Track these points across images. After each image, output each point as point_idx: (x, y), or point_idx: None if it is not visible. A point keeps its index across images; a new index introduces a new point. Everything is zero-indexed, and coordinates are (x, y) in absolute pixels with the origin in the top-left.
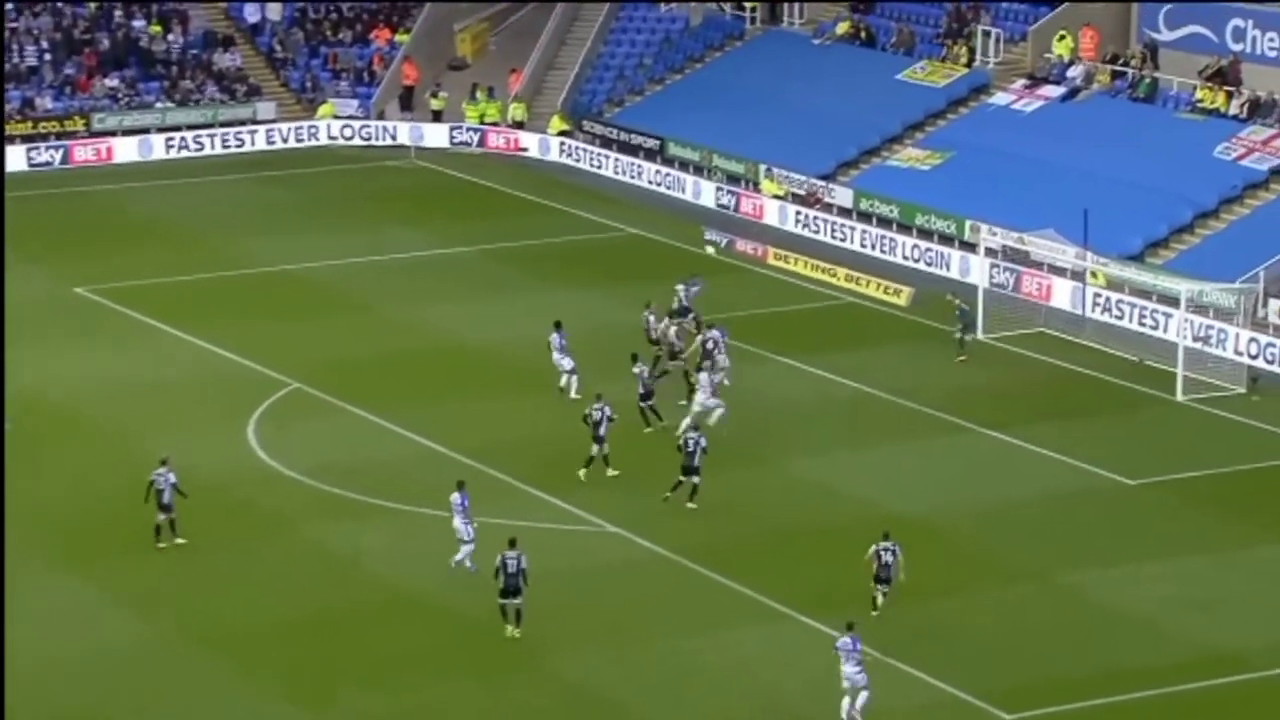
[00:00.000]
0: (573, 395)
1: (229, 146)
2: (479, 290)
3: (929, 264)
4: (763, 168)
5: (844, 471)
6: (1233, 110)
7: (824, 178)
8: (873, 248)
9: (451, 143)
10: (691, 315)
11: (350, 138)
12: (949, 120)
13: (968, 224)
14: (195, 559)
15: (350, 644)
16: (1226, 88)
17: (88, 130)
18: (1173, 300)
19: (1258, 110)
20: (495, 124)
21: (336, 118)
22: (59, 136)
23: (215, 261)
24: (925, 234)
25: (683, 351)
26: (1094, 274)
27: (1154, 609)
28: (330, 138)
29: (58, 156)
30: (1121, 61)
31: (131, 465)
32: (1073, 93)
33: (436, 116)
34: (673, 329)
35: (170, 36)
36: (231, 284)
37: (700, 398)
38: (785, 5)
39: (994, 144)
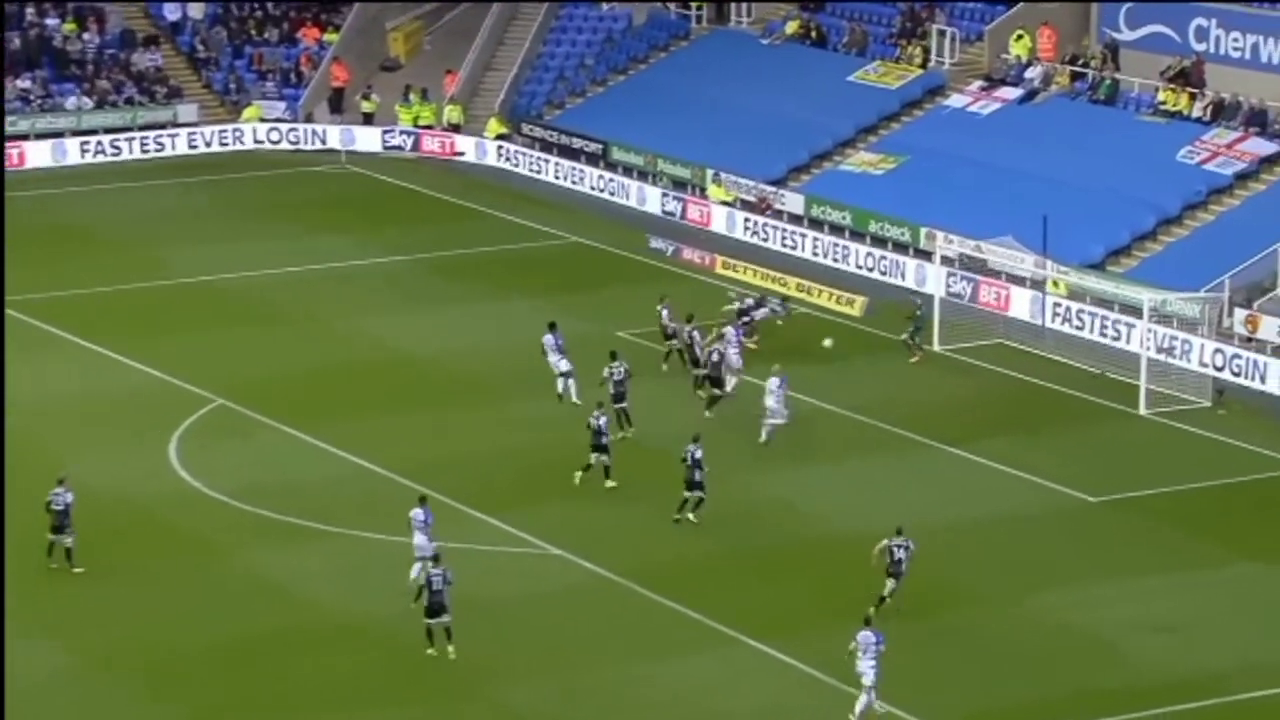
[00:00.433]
0: (574, 399)
1: (148, 151)
2: (414, 301)
3: (883, 273)
4: (710, 173)
5: (797, 490)
6: (1196, 112)
7: (774, 183)
8: (825, 256)
9: (384, 147)
10: (746, 324)
11: (277, 142)
12: (903, 123)
13: (923, 231)
14: (113, 585)
15: (283, 673)
16: (1189, 89)
17: None
18: (1135, 310)
19: (1221, 112)
20: (430, 127)
21: (262, 120)
22: None
23: (135, 272)
24: (879, 241)
25: (701, 361)
26: (1054, 283)
27: (1117, 631)
28: (256, 141)
29: None
30: (1081, 62)
31: (47, 486)
32: (1031, 94)
33: (368, 119)
34: (698, 332)
35: (86, 35)
36: (152, 296)
37: (775, 408)
38: (732, 4)
39: (950, 148)
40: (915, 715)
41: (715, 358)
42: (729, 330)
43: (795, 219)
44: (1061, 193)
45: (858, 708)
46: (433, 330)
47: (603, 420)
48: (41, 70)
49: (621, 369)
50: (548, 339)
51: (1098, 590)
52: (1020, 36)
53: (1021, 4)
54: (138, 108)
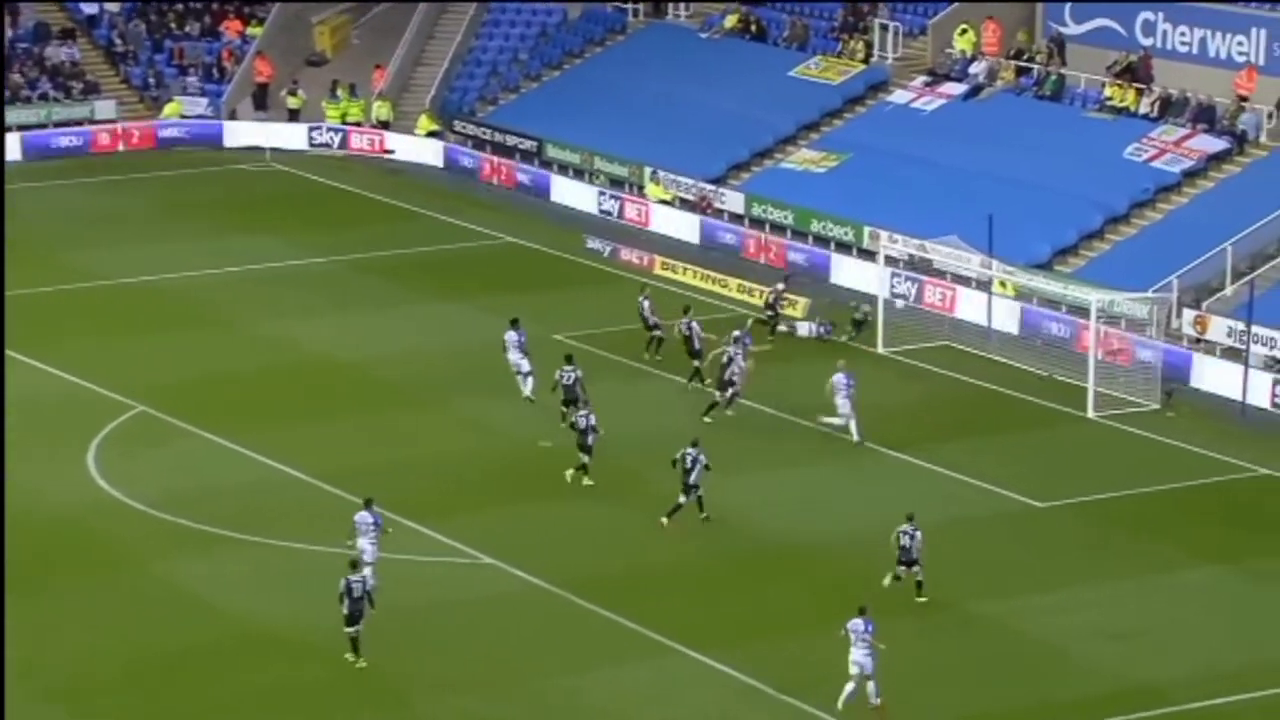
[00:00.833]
0: (527, 394)
1: (65, 148)
2: (342, 304)
3: (826, 273)
4: (648, 171)
5: (737, 496)
6: (1143, 109)
7: (714, 181)
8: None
9: (310, 144)
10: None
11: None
12: (845, 120)
13: (866, 230)
14: (30, 597)
15: (207, 687)
16: (1136, 85)
17: None
18: (1083, 311)
19: (1169, 109)
20: (358, 124)
21: (184, 117)
22: None
23: (50, 274)
24: (822, 241)
25: (701, 353)
26: (1001, 283)
27: (1066, 639)
28: (176, 138)
29: None
30: (1027, 57)
31: None
32: (975, 90)
33: (294, 116)
34: (697, 324)
35: None
36: (69, 298)
37: (846, 409)
38: None
39: (893, 145)
40: None
41: (725, 360)
42: (736, 334)
43: (736, 218)
44: (1007, 191)
45: (870, 691)
46: (362, 334)
47: (593, 419)
48: None
49: (573, 374)
50: (510, 335)
51: (1046, 597)
52: (964, 31)
53: None
54: (53, 104)
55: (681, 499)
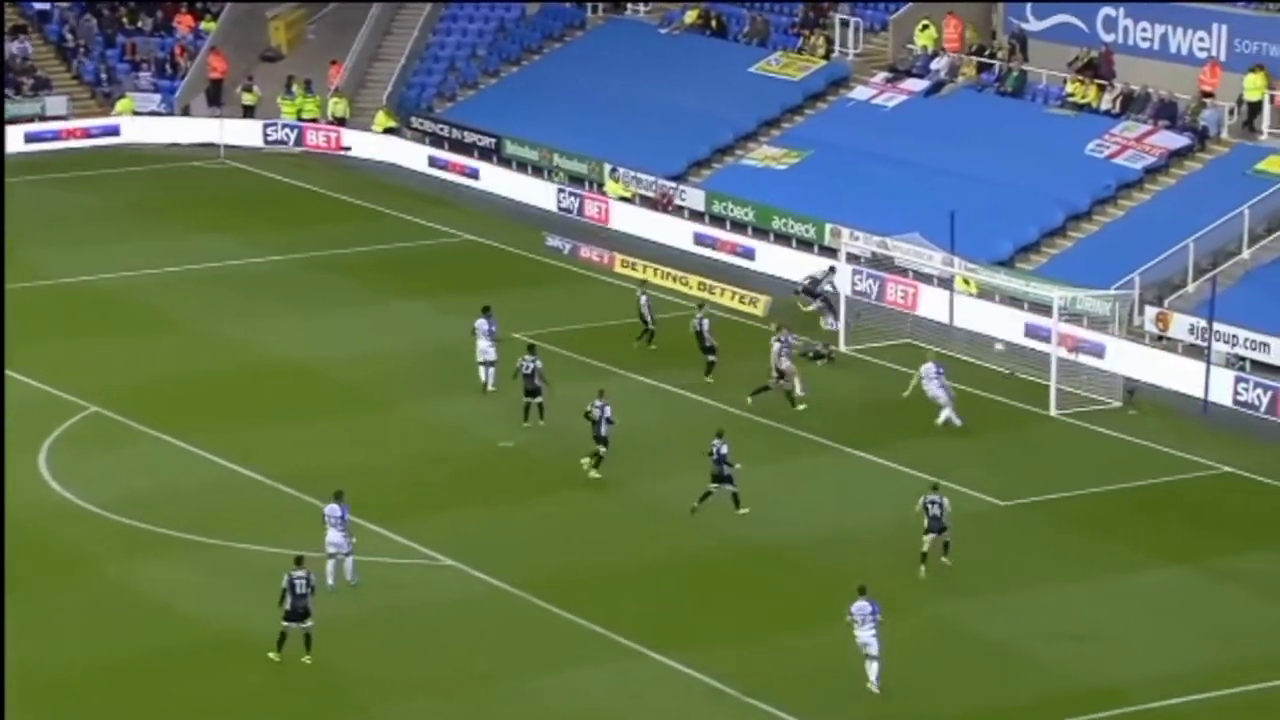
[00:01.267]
0: (488, 386)
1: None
2: (298, 303)
3: (787, 271)
4: (608, 168)
5: (696, 496)
6: (1105, 105)
7: (674, 178)
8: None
9: (265, 141)
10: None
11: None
12: (806, 116)
13: (828, 228)
14: None
15: (164, 693)
16: (1098, 81)
17: None
18: (1045, 308)
19: (1131, 104)
20: (314, 120)
21: (136, 114)
22: None
23: None
24: (783, 238)
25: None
26: (964, 280)
27: (1027, 640)
28: (130, 135)
29: None
30: (988, 53)
31: None
32: (937, 86)
33: (248, 112)
34: (707, 320)
35: None
36: (19, 298)
37: (943, 398)
38: None
39: (854, 142)
40: None
41: (784, 364)
42: (780, 339)
43: (696, 215)
44: (969, 187)
45: (871, 676)
46: (319, 333)
47: (607, 410)
48: None
49: (532, 364)
50: (480, 323)
51: (1007, 597)
52: (925, 27)
53: None
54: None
55: (711, 488)
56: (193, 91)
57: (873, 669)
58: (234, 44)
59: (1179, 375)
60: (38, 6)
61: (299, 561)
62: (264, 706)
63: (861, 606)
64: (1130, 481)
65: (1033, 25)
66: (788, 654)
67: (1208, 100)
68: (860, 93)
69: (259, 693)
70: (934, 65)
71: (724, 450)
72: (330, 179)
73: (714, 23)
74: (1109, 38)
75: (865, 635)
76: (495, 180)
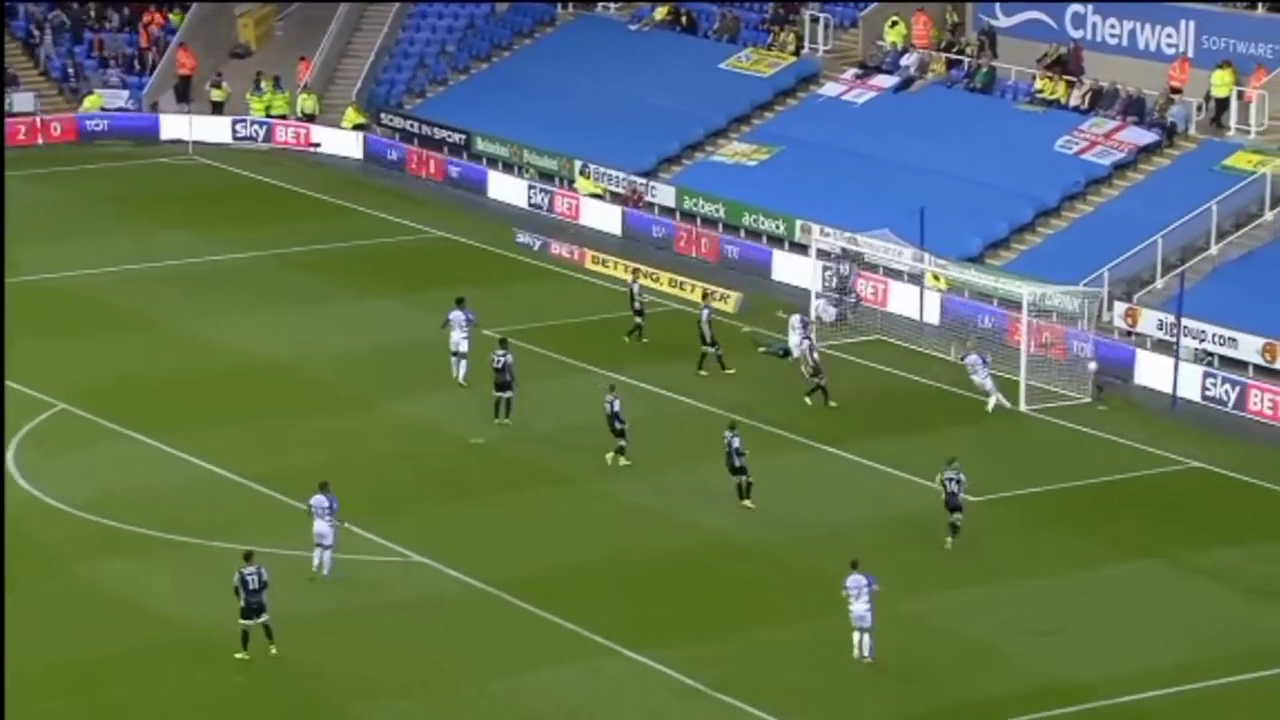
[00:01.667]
0: (460, 381)
1: None
2: (268, 300)
3: (758, 267)
4: (578, 164)
5: (671, 493)
6: (1074, 101)
7: (644, 175)
8: (698, 250)
9: (234, 138)
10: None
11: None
12: (776, 112)
13: (798, 224)
14: None
15: (133, 690)
16: (1067, 77)
17: None
18: (1015, 304)
19: (1099, 101)
20: (283, 117)
21: (104, 110)
22: None
23: None
24: (753, 234)
25: (715, 341)
26: (933, 276)
27: (997, 635)
28: (96, 131)
29: None
30: (957, 49)
31: None
32: (906, 83)
33: (217, 109)
34: (708, 311)
35: None
36: None
37: (989, 386)
38: None
39: (824, 138)
40: None
41: (815, 356)
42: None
43: (667, 211)
44: (938, 184)
45: (866, 649)
46: (289, 331)
47: (617, 405)
48: None
49: (503, 358)
50: (455, 314)
51: (976, 592)
52: (895, 23)
53: None
54: None
55: (736, 479)
56: (161, 88)
57: (866, 642)
58: (202, 40)
59: (1148, 371)
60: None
61: (248, 557)
62: (236, 705)
63: (856, 580)
64: (1099, 477)
65: (1002, 22)
66: (761, 650)
67: (1176, 96)
68: (830, 89)
69: (231, 692)
70: (904, 61)
71: (735, 443)
72: (299, 176)
73: (684, 19)
74: (1078, 34)
75: (861, 609)
76: (468, 177)
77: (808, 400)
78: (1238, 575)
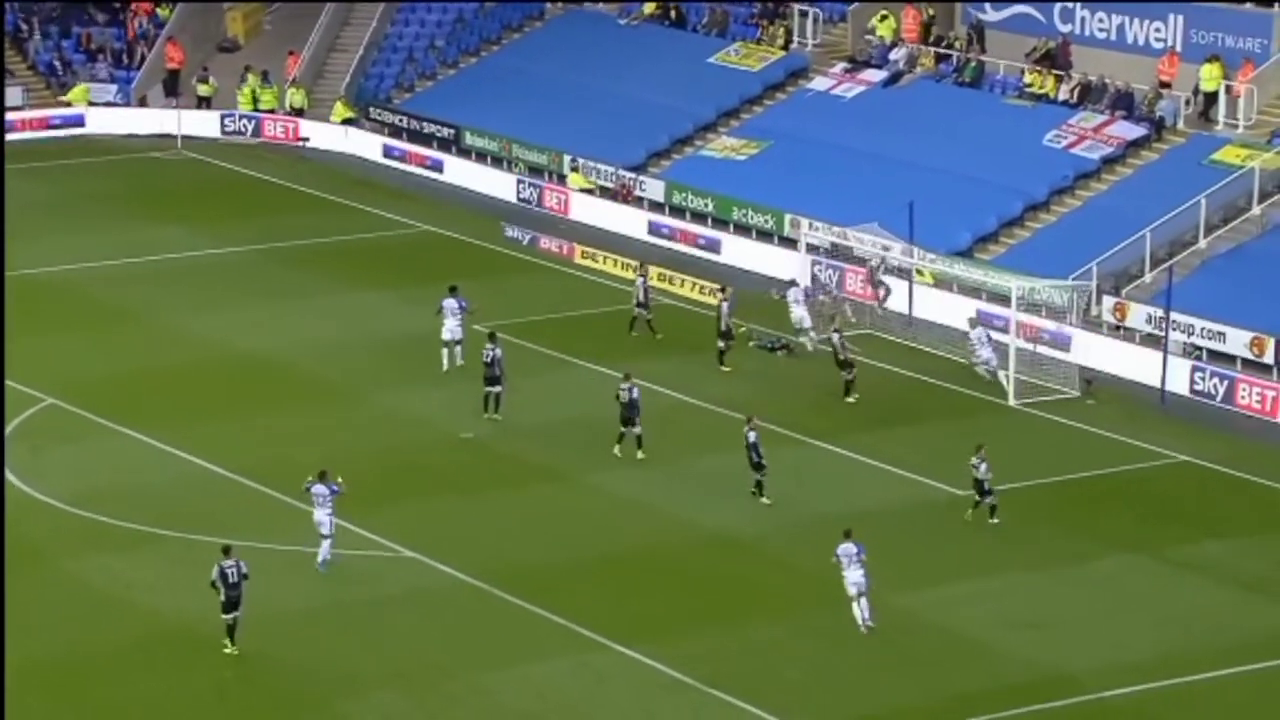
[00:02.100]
0: (458, 361)
1: None
2: (256, 295)
3: (748, 261)
4: (567, 159)
5: (659, 487)
6: (1062, 95)
7: (634, 169)
8: (687, 244)
9: (223, 132)
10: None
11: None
12: (766, 107)
13: (787, 218)
14: None
15: (120, 685)
16: (1055, 71)
17: None
18: (1003, 298)
19: (1088, 95)
20: (271, 111)
21: (92, 104)
22: None
23: None
24: (743, 229)
25: (729, 333)
26: (921, 271)
27: (986, 629)
28: (84, 125)
29: None
30: (946, 44)
31: None
32: (895, 77)
33: (205, 103)
34: (727, 305)
35: None
36: None
37: (995, 362)
38: None
39: (813, 132)
40: (780, 718)
41: (841, 343)
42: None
43: (656, 206)
44: (927, 178)
45: (864, 616)
46: (277, 325)
47: (635, 393)
48: None
49: (493, 352)
50: (448, 302)
51: (966, 586)
52: (884, 17)
53: None
54: None
55: (756, 475)
56: (149, 82)
57: (864, 608)
58: (191, 34)
59: (1136, 365)
60: None
61: (227, 551)
62: (222, 699)
63: (847, 548)
64: (1088, 470)
65: (990, 16)
66: (749, 644)
67: (1164, 91)
68: (819, 83)
69: (218, 686)
70: (892, 56)
71: (752, 438)
72: (288, 170)
73: (673, 14)
74: (1066, 28)
75: (855, 575)
76: (455, 171)
77: (850, 400)
78: (1226, 569)
